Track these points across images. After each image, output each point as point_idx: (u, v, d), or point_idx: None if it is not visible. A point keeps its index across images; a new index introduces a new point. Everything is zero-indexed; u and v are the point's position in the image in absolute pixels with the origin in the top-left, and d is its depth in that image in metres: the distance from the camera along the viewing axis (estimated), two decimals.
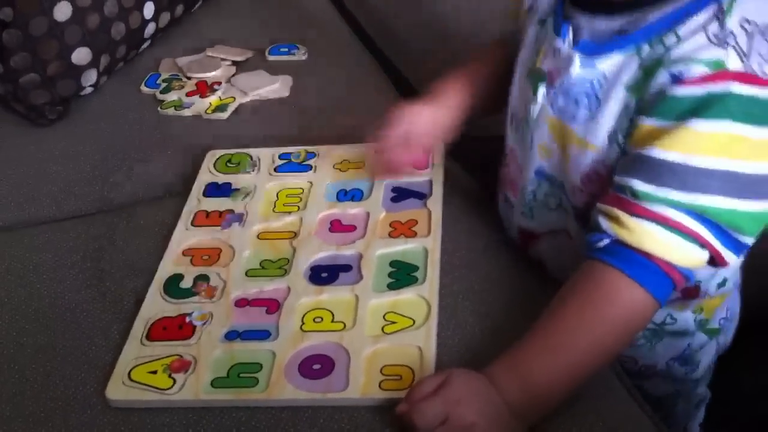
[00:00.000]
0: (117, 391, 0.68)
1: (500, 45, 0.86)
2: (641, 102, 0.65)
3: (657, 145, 0.63)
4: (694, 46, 0.62)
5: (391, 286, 0.75)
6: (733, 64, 0.61)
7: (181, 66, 1.14)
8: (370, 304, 0.74)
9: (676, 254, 0.64)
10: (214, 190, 0.89)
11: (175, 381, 0.68)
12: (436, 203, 0.85)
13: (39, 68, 1.03)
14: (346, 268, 0.78)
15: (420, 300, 0.74)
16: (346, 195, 0.87)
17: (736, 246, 0.64)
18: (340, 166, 0.91)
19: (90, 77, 1.07)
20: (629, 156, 0.66)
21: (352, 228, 0.83)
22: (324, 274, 0.78)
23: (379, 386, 0.66)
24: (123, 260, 0.83)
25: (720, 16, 0.63)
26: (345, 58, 1.21)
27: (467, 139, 0.88)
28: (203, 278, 0.78)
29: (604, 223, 0.65)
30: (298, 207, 0.86)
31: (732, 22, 0.63)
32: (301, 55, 1.18)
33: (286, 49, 1.18)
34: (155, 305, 0.76)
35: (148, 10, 1.14)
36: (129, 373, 0.69)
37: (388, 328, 0.71)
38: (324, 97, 1.09)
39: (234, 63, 1.15)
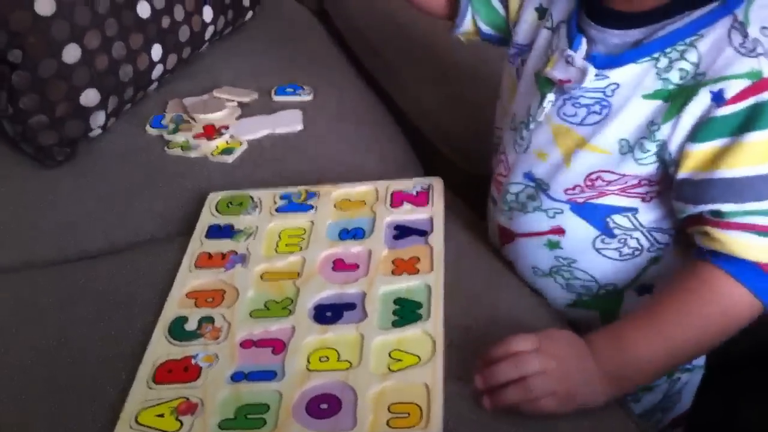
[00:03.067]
0: None
1: None
2: (678, 127, 0.68)
3: (722, 166, 0.66)
4: (726, 61, 0.65)
5: (396, 324, 0.76)
6: None
7: (186, 106, 1.16)
8: (375, 342, 0.74)
9: None
10: (216, 231, 0.90)
11: (182, 424, 0.69)
12: (437, 239, 0.85)
13: (48, 110, 1.04)
14: (351, 306, 0.79)
15: (425, 336, 0.74)
16: (348, 233, 0.88)
17: None
18: (340, 205, 0.92)
19: (98, 119, 1.09)
20: (693, 183, 0.68)
21: (354, 266, 0.83)
22: (328, 313, 0.78)
23: (387, 424, 0.67)
24: (127, 301, 0.84)
25: (740, 27, 0.66)
26: (350, 97, 1.22)
27: (467, 176, 0.89)
28: (208, 320, 0.78)
29: (698, 238, 0.69)
30: (301, 247, 0.86)
31: (753, 31, 0.66)
32: (306, 95, 1.19)
33: (292, 90, 1.20)
34: (160, 347, 0.76)
35: (156, 52, 1.16)
36: (136, 417, 0.70)
37: (395, 366, 0.72)
38: (328, 137, 1.10)
39: (240, 104, 1.17)
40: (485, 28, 0.88)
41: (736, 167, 0.66)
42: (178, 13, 1.20)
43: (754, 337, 1.04)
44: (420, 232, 0.87)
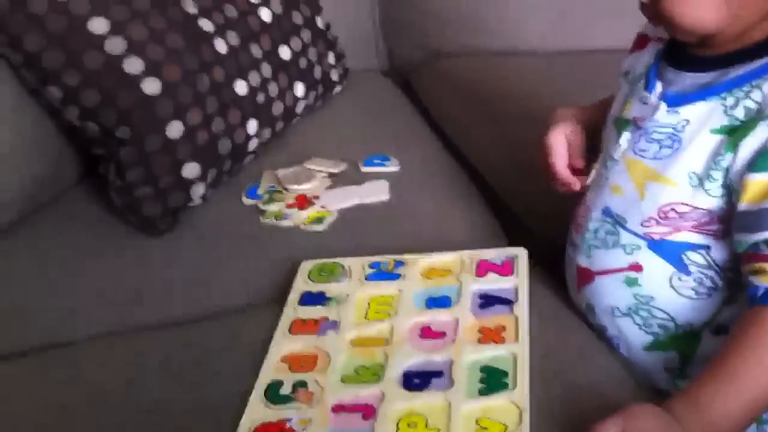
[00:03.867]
0: None
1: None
2: (738, 155, 0.72)
3: None
4: None
5: (482, 392, 0.77)
6: None
7: (279, 177, 1.21)
8: (462, 410, 0.75)
9: None
10: (309, 298, 0.93)
11: None
12: (523, 309, 0.87)
13: (152, 182, 1.09)
14: (438, 374, 0.80)
15: (511, 406, 0.75)
16: (434, 302, 0.90)
17: None
18: (427, 274, 0.95)
19: (199, 190, 1.14)
20: (751, 213, 0.72)
21: (441, 334, 0.85)
22: (416, 380, 0.79)
23: None
24: (223, 367, 0.87)
25: None
26: (434, 168, 1.25)
27: (550, 246, 0.91)
28: (302, 384, 0.81)
29: (755, 279, 0.72)
30: (389, 314, 0.89)
31: None
32: (393, 166, 1.23)
33: (379, 161, 1.24)
34: (257, 411, 0.78)
35: (252, 126, 1.21)
36: None
37: None
38: (414, 207, 1.14)
39: (330, 174, 1.21)
40: None
41: None
42: (273, 89, 1.26)
43: None
44: (505, 302, 0.89)
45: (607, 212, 0.84)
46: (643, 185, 0.80)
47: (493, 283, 0.92)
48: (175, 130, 1.10)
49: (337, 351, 0.85)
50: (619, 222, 0.82)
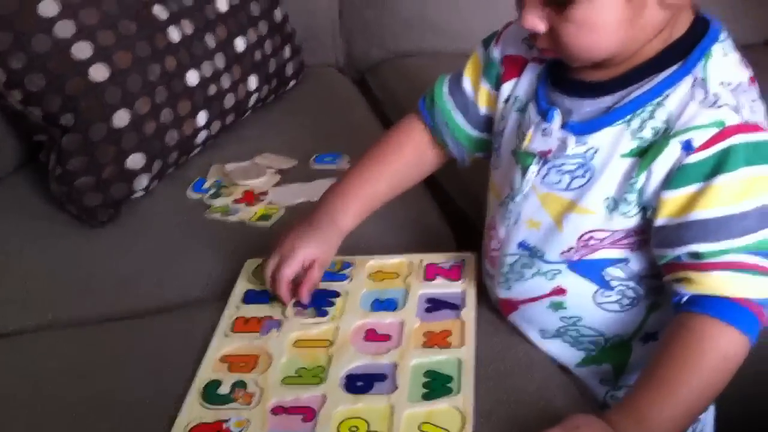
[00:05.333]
0: None
1: (413, 138, 0.93)
2: (652, 176, 0.72)
3: (696, 209, 0.71)
4: (691, 114, 0.71)
5: (426, 396, 0.76)
6: (731, 119, 0.71)
7: (228, 172, 1.19)
8: (405, 414, 0.74)
9: (750, 289, 0.71)
10: (253, 296, 0.92)
11: None
12: (469, 314, 0.86)
13: (94, 172, 1.07)
14: (381, 377, 0.79)
15: (455, 411, 0.74)
16: (380, 304, 0.89)
17: None
18: (374, 276, 0.94)
19: (142, 181, 1.12)
20: (670, 228, 0.72)
21: (386, 337, 0.84)
22: (359, 383, 0.79)
23: None
24: (164, 364, 0.85)
25: (701, 83, 0.72)
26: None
27: None
28: (241, 385, 0.79)
29: (678, 287, 0.73)
30: (334, 316, 0.88)
31: (713, 86, 0.72)
32: (344, 163, 1.22)
33: (331, 158, 1.23)
34: (194, 410, 0.77)
35: (202, 118, 1.19)
36: None
37: None
38: None
39: (279, 171, 1.20)
40: (480, 154, 0.93)
41: (709, 208, 0.70)
42: (225, 81, 1.24)
43: None
44: (453, 306, 0.88)
45: (523, 246, 0.82)
46: (561, 217, 0.78)
47: (440, 288, 0.91)
48: (121, 118, 1.08)
49: (279, 351, 0.83)
50: (536, 254, 0.81)
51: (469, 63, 0.90)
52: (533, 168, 0.80)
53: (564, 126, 0.78)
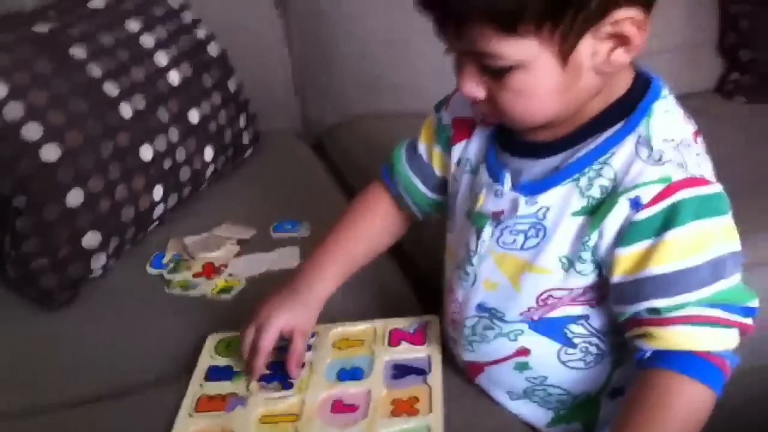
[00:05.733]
0: None
1: (380, 204, 0.95)
2: (603, 234, 0.73)
3: (651, 265, 0.71)
4: (638, 171, 0.72)
5: None
6: (677, 175, 0.71)
7: (186, 245, 1.18)
8: None
9: (711, 342, 0.71)
10: (216, 373, 0.90)
11: None
12: (436, 379, 0.85)
13: (50, 253, 1.05)
14: None
15: None
16: (346, 373, 0.88)
17: (749, 312, 0.73)
18: (339, 344, 0.93)
19: (100, 260, 1.10)
20: (626, 285, 0.73)
21: (353, 408, 0.83)
22: None
23: None
24: None
25: (645, 141, 0.73)
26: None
27: None
28: None
29: (640, 343, 0.73)
30: (300, 388, 0.86)
31: (657, 143, 0.73)
32: (304, 231, 1.21)
33: (290, 226, 1.22)
34: None
35: (157, 193, 1.18)
36: None
37: None
38: None
39: (238, 241, 1.19)
40: (442, 215, 0.93)
41: (662, 264, 0.71)
42: (180, 154, 1.23)
43: None
44: (419, 371, 0.87)
45: (482, 308, 0.82)
46: (518, 277, 0.79)
47: (405, 353, 0.90)
48: (75, 197, 1.07)
49: (245, 429, 0.82)
50: (495, 315, 0.82)
51: (423, 128, 0.92)
52: (488, 229, 0.80)
53: (514, 186, 0.78)
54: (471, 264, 0.82)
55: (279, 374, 0.88)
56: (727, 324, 0.72)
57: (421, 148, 0.91)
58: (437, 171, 0.91)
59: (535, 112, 0.74)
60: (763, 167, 1.30)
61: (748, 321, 0.73)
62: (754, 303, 0.73)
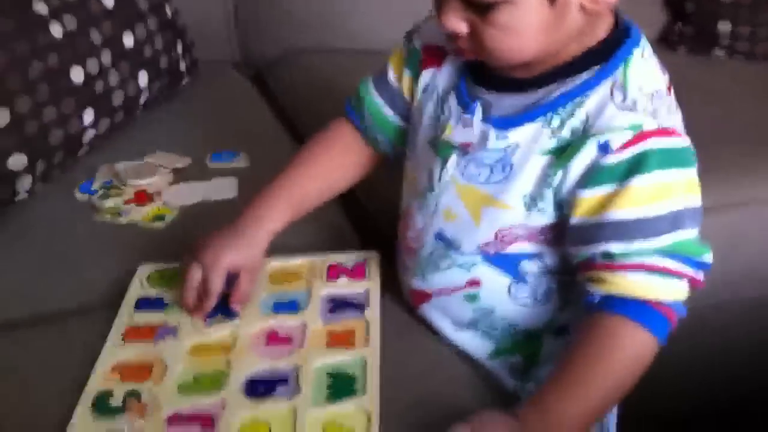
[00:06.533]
0: None
1: (347, 148, 0.92)
2: (568, 174, 0.73)
3: (612, 209, 0.71)
4: (610, 116, 0.72)
5: (330, 398, 0.75)
6: (648, 124, 0.72)
7: (118, 172, 1.14)
8: (308, 417, 0.72)
9: (661, 291, 0.72)
10: (146, 304, 0.88)
11: None
12: (373, 313, 0.85)
13: None
14: (284, 380, 0.77)
15: (360, 412, 0.73)
16: (282, 306, 0.86)
17: (702, 266, 0.74)
18: (275, 278, 0.91)
19: (25, 183, 1.06)
20: (584, 227, 0.73)
21: (288, 340, 0.82)
22: (261, 388, 0.76)
23: None
24: (51, 375, 0.81)
25: (620, 87, 0.73)
26: (285, 163, 1.21)
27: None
28: (134, 394, 0.76)
29: (591, 287, 0.73)
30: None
31: (632, 91, 0.73)
32: (243, 162, 1.18)
33: (229, 156, 1.19)
34: (83, 425, 0.73)
35: (88, 116, 1.14)
36: None
37: None
38: None
39: (173, 170, 1.15)
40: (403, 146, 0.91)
41: (622, 209, 0.71)
42: (113, 78, 1.19)
43: None
44: (356, 306, 0.86)
45: (440, 237, 0.82)
46: (479, 211, 0.79)
47: (344, 288, 0.89)
48: (0, 118, 1.01)
49: (175, 359, 0.80)
50: (452, 246, 0.81)
51: (393, 55, 0.90)
52: (453, 159, 0.79)
53: (484, 119, 0.77)
54: (432, 193, 0.81)
55: (221, 308, 0.85)
56: (678, 275, 0.72)
57: (390, 74, 0.89)
58: (407, 97, 0.88)
59: (518, 49, 0.73)
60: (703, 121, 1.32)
61: (700, 276, 0.74)
62: (708, 258, 0.74)
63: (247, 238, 0.85)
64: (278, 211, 0.88)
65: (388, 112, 0.90)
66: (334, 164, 0.92)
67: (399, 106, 0.89)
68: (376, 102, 0.90)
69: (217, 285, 0.83)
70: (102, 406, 0.75)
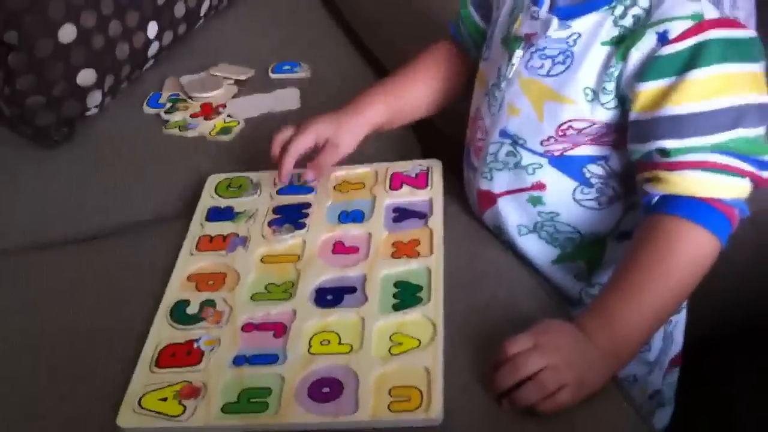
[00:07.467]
0: (128, 418, 0.69)
1: (446, 58, 0.95)
2: (627, 66, 0.72)
3: (669, 104, 0.69)
4: (671, 4, 0.71)
5: (396, 307, 0.76)
6: (710, 13, 0.70)
7: (183, 85, 1.15)
8: (376, 326, 0.74)
9: (722, 190, 0.70)
10: (216, 214, 0.90)
11: (185, 408, 0.69)
12: (437, 223, 0.85)
13: (45, 90, 1.04)
14: (351, 290, 0.79)
15: (425, 320, 0.74)
16: (347, 216, 0.88)
17: (764, 165, 0.71)
18: (340, 187, 0.92)
19: (95, 98, 1.08)
20: (642, 122, 0.71)
21: (355, 249, 0.84)
22: (329, 297, 0.78)
23: (389, 408, 0.67)
24: (129, 285, 0.84)
25: None
26: (348, 75, 1.21)
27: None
28: (209, 303, 0.79)
29: (649, 187, 0.72)
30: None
31: None
32: (304, 72, 1.18)
33: (290, 67, 1.19)
34: (163, 331, 0.77)
35: (152, 29, 1.15)
36: (139, 401, 0.70)
37: (395, 350, 0.72)
38: None
39: (236, 82, 1.16)
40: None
41: (678, 104, 0.69)
42: None
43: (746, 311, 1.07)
44: (420, 215, 0.87)
45: (504, 133, 0.82)
46: (541, 106, 0.77)
47: (407, 197, 0.90)
48: (67, 33, 1.03)
49: (247, 269, 0.82)
50: (518, 142, 0.81)
51: None
52: (519, 52, 0.79)
53: (551, 10, 0.77)
54: (499, 88, 0.81)
55: (289, 216, 0.88)
56: (739, 173, 0.70)
57: None
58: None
59: None
60: None
61: (764, 174, 0.71)
62: None
63: (346, 120, 0.90)
64: (381, 105, 0.91)
65: (477, 19, 0.91)
66: (437, 76, 0.95)
67: (484, 6, 0.90)
68: (469, 8, 0.92)
69: (298, 144, 0.87)
70: (179, 314, 0.78)
